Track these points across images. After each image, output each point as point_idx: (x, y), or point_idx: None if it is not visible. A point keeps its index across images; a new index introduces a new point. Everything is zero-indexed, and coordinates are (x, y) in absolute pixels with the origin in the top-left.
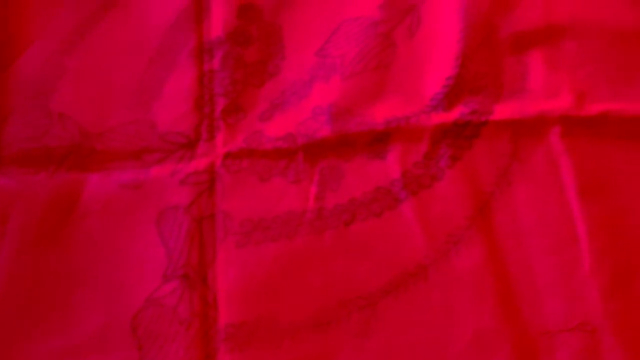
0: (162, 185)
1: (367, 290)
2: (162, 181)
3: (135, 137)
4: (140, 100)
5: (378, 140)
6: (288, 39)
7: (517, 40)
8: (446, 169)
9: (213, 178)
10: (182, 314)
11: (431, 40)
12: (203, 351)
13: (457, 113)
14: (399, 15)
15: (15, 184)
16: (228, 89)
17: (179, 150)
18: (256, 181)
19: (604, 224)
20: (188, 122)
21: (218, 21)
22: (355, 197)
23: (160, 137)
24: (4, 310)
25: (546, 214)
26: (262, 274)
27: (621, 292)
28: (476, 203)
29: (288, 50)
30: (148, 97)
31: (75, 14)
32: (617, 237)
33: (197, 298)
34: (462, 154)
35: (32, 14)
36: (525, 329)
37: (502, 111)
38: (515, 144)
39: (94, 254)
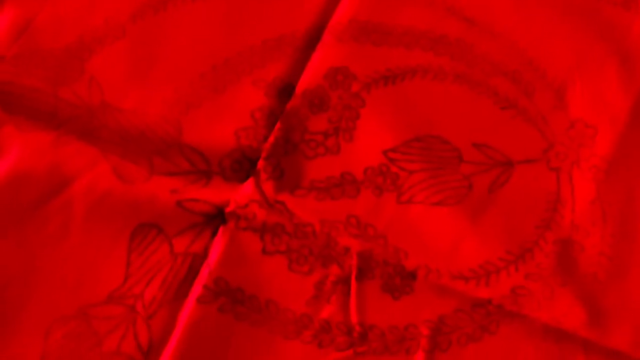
0: (154, 197)
1: None
2: (158, 193)
3: (156, 132)
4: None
5: None
6: (365, 121)
7: None
8: None
9: (219, 223)
10: (107, 346)
11: None
12: None
13: None
14: None
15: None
16: (278, 144)
17: (195, 171)
18: (258, 252)
19: None
20: (225, 144)
21: (311, 67)
22: None
23: (181, 145)
24: None
25: None
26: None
27: None
28: None
29: (359, 134)
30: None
31: None
32: None
33: (131, 337)
34: None
35: None
36: None
37: None
38: None
39: (61, 243)
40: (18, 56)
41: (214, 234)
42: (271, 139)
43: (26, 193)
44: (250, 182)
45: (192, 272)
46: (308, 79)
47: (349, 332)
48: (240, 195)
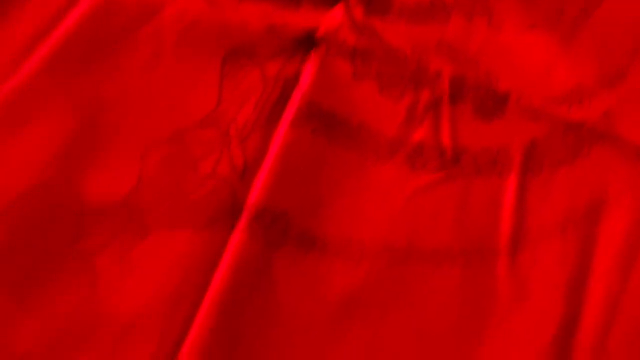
0: (244, 22)
1: None
2: (248, 18)
3: None
4: None
5: None
6: None
7: None
8: None
9: (309, 47)
10: (203, 168)
11: None
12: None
13: None
14: None
15: None
16: None
17: None
18: (349, 77)
19: None
20: None
21: None
22: None
23: None
24: None
25: None
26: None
27: None
28: None
29: None
30: None
31: None
32: None
33: (226, 160)
34: None
35: None
36: None
37: None
38: None
39: (154, 68)
40: None
41: (305, 58)
42: None
43: (117, 20)
44: (340, 7)
45: (284, 96)
46: None
47: (441, 154)
48: (330, 20)
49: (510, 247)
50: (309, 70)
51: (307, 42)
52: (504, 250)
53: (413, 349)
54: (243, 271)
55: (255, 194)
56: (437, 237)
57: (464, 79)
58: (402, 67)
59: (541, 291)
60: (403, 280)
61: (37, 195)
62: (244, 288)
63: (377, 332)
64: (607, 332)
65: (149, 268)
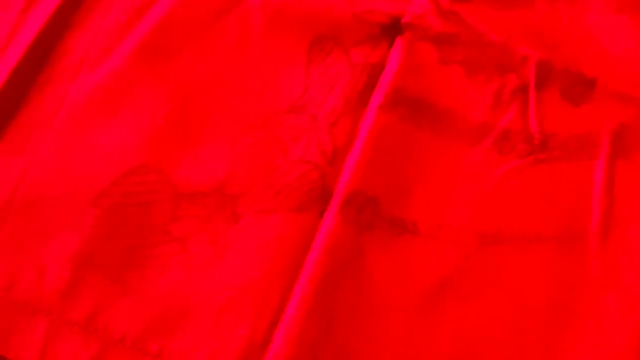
0: (330, 8)
1: None
2: (334, 4)
3: None
4: None
5: None
6: None
7: None
8: None
9: (395, 33)
10: (292, 153)
11: None
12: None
13: None
14: None
15: None
16: None
17: None
18: (435, 62)
19: None
20: None
21: None
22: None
23: None
24: None
25: None
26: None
27: None
28: None
29: None
30: None
31: None
32: None
33: (315, 145)
34: None
35: None
36: None
37: None
38: None
39: (242, 54)
40: None
41: (391, 44)
42: None
43: (205, 6)
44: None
45: (371, 82)
46: None
47: (528, 139)
48: (415, 6)
49: (600, 231)
50: (396, 56)
51: (393, 28)
52: (594, 234)
53: (503, 331)
54: (335, 254)
55: (345, 179)
56: (526, 221)
57: (550, 64)
58: (488, 52)
59: (632, 275)
60: (493, 263)
61: (132, 179)
62: (336, 271)
63: (469, 314)
64: None
65: (241, 252)
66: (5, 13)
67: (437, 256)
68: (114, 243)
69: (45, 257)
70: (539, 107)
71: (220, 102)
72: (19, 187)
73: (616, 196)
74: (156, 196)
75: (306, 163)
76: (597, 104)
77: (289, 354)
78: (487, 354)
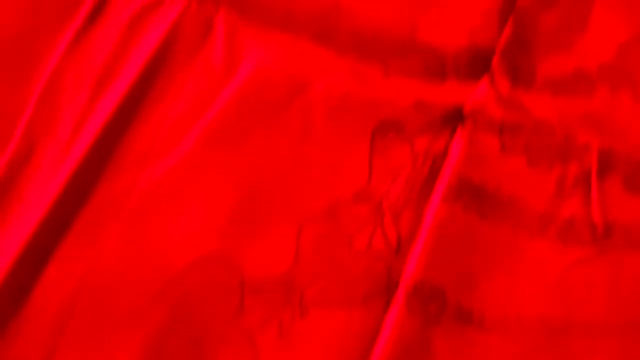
0: (391, 97)
1: None
2: (395, 94)
3: (391, 33)
4: None
5: None
6: (596, 16)
7: None
8: None
9: (456, 122)
10: (357, 244)
11: None
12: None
13: None
14: None
15: None
16: (511, 42)
17: (430, 71)
18: (497, 151)
19: None
20: (460, 43)
21: None
22: None
23: (415, 45)
24: None
25: None
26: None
27: None
28: None
29: (591, 29)
30: None
31: None
32: None
33: (379, 235)
34: None
35: None
36: None
37: None
38: None
39: (305, 144)
40: None
41: (453, 133)
42: (504, 36)
43: (269, 96)
44: (485, 81)
45: (434, 171)
46: None
47: (592, 228)
48: (476, 94)
49: None
50: (458, 145)
51: (455, 116)
52: None
53: None
54: (402, 347)
55: (411, 270)
56: (592, 311)
57: (612, 152)
58: (550, 139)
59: None
60: (560, 354)
61: (199, 269)
62: None
63: None
64: None
65: (308, 346)
66: (72, 104)
67: (504, 348)
68: (181, 336)
69: (113, 349)
70: (601, 195)
71: (285, 191)
72: (87, 278)
73: None
74: (222, 287)
75: (371, 254)
76: None
77: None
78: None
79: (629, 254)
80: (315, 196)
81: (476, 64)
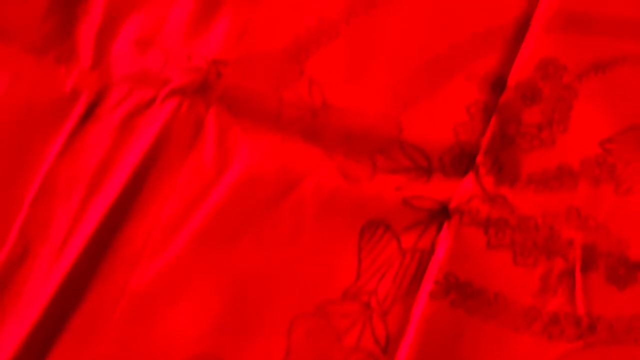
0: (379, 194)
1: None
2: (383, 191)
3: (377, 130)
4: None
5: None
6: (578, 112)
7: None
8: None
9: (443, 218)
10: (347, 342)
11: None
12: None
13: None
14: None
15: None
16: (495, 138)
17: (416, 168)
18: (483, 246)
19: None
20: (444, 140)
21: (521, 59)
22: None
23: (401, 142)
24: None
25: None
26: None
27: None
28: None
29: (573, 124)
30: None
31: None
32: None
33: (369, 333)
34: None
35: None
36: None
37: None
38: None
39: (296, 242)
40: (240, 60)
41: (439, 229)
42: (488, 133)
43: (259, 194)
44: (470, 177)
45: (421, 268)
46: (519, 72)
47: (577, 323)
48: (461, 191)
49: None
50: (444, 241)
51: (441, 212)
52: None
53: None
54: None
55: None
56: None
57: (595, 247)
58: (534, 235)
59: None
60: None
61: None
62: None
63: None
64: None
65: None
66: (65, 205)
67: None
68: None
69: None
70: (586, 290)
71: (275, 290)
72: None
73: None
74: None
75: (361, 351)
76: None
77: None
78: None
79: (614, 348)
80: (305, 294)
81: (461, 161)
